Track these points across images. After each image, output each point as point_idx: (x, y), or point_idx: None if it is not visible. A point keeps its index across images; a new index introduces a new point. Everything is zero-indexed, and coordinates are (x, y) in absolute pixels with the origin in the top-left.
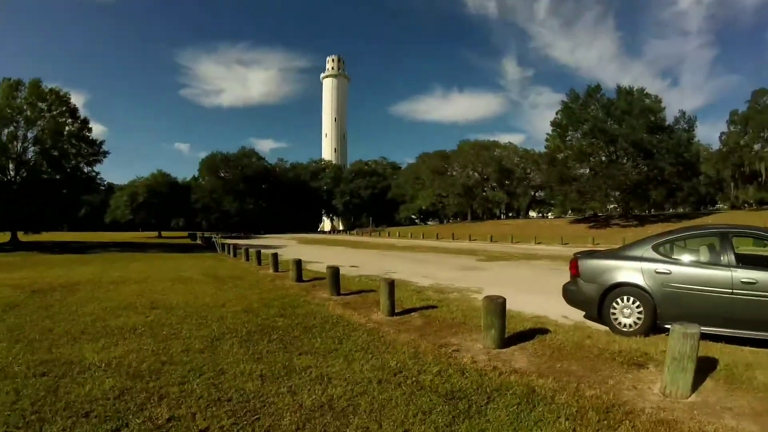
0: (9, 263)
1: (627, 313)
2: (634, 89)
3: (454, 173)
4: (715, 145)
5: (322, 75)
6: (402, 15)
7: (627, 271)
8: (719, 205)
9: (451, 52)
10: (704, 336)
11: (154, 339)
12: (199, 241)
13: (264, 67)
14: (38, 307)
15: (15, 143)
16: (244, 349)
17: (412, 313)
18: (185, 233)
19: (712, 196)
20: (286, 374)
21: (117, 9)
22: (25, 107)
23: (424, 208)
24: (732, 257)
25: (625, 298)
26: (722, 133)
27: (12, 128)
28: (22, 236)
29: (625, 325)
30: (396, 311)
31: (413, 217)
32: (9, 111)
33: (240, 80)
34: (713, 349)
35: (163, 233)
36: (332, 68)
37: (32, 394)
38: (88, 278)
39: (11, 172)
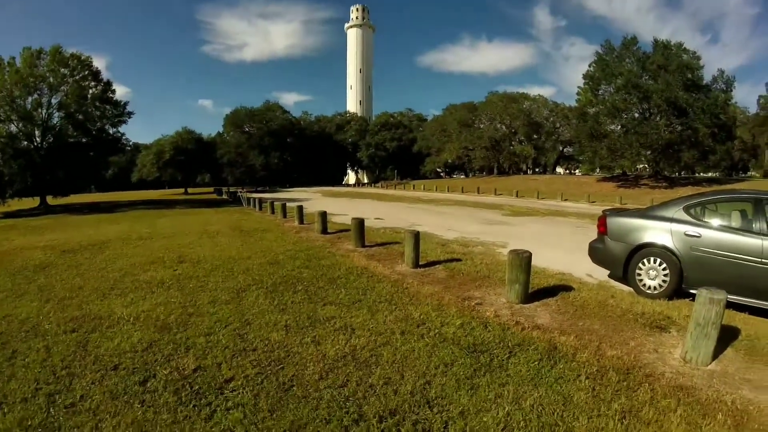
0: (39, 226)
1: (653, 274)
2: (672, 43)
3: (482, 126)
4: (753, 108)
5: (346, 25)
6: None
7: (656, 232)
8: (752, 173)
9: (481, 0)
10: (728, 305)
11: (182, 292)
12: (225, 196)
13: (287, 19)
14: (68, 266)
15: (40, 110)
16: (269, 300)
17: (437, 266)
18: (211, 189)
19: (745, 162)
20: (310, 325)
21: None
22: (47, 74)
23: (450, 161)
24: (765, 225)
25: (651, 259)
26: (760, 97)
27: (36, 96)
28: (51, 200)
29: (649, 287)
30: (420, 263)
31: (439, 170)
32: (32, 80)
33: (262, 34)
34: (736, 319)
35: (190, 190)
36: (356, 18)
37: (62, 351)
38: (116, 236)
39: (38, 139)
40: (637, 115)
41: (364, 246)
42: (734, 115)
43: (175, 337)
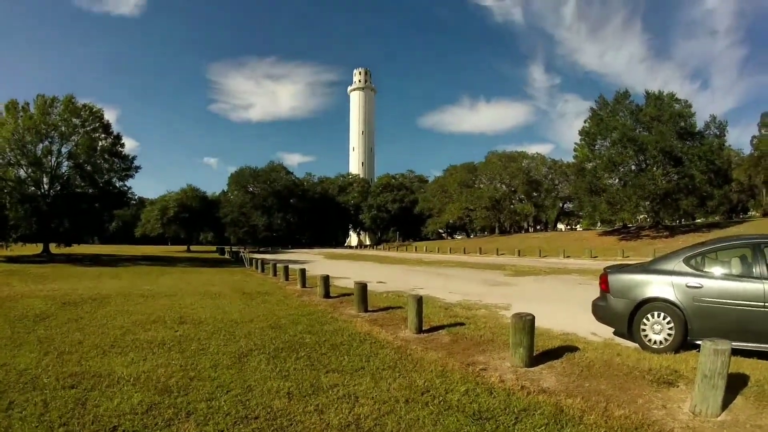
0: (41, 275)
1: (657, 329)
2: (664, 94)
3: (482, 186)
4: (747, 149)
5: (349, 88)
6: (428, 26)
7: (657, 286)
8: (752, 213)
9: (478, 62)
10: (736, 351)
11: (183, 354)
12: (227, 256)
13: (292, 81)
14: (69, 319)
15: (49, 158)
16: (271, 365)
17: (440, 331)
18: (214, 248)
19: (743, 203)
20: (313, 392)
21: (145, 24)
22: (59, 123)
23: (451, 221)
24: (764, 269)
25: (655, 313)
26: (753, 137)
27: (47, 143)
28: (54, 248)
29: (655, 342)
30: (423, 328)
31: (440, 231)
32: (44, 127)
33: (269, 94)
34: (744, 365)
35: (192, 247)
36: (359, 81)
37: (60, 406)
38: (118, 291)
39: (45, 186)
40: (633, 167)
41: (366, 311)
42: (729, 158)
43: (175, 400)
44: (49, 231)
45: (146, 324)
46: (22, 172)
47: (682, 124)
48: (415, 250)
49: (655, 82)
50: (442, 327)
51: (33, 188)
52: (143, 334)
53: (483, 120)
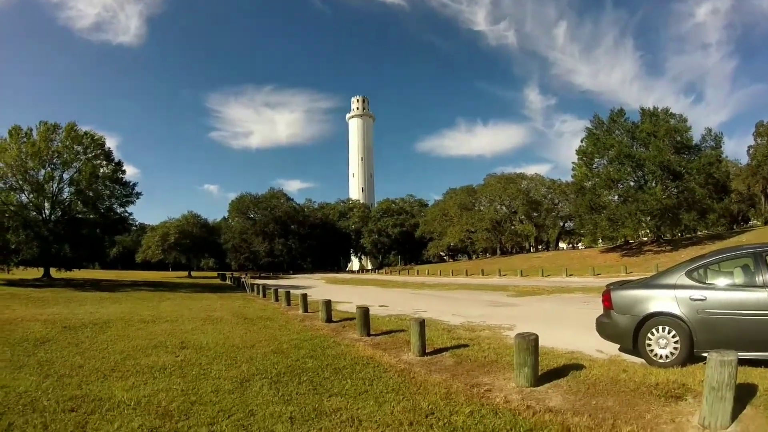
0: (41, 299)
1: (663, 343)
2: (659, 110)
3: (482, 208)
4: (744, 159)
5: (347, 115)
6: (423, 52)
7: (661, 301)
8: (753, 222)
9: (474, 86)
10: (743, 362)
11: (184, 379)
12: (228, 282)
13: (290, 109)
14: (69, 343)
15: (51, 183)
16: (273, 390)
17: (443, 353)
18: (215, 273)
19: (744, 212)
20: (316, 416)
21: (144, 54)
22: (62, 150)
23: (452, 244)
24: (767, 277)
25: (660, 328)
26: (750, 147)
27: (49, 169)
28: (55, 273)
29: (661, 356)
30: (427, 351)
31: (442, 254)
32: (46, 153)
33: (267, 122)
34: (753, 375)
35: (194, 273)
36: (357, 108)
37: (60, 429)
38: (119, 316)
39: (47, 211)
40: (632, 183)
41: (369, 334)
42: (727, 170)
43: (176, 425)
44: (50, 255)
45: (147, 349)
46: (24, 197)
47: (679, 138)
48: (417, 273)
49: (650, 99)
50: (445, 349)
51: (35, 213)
52: (144, 358)
53: (481, 143)
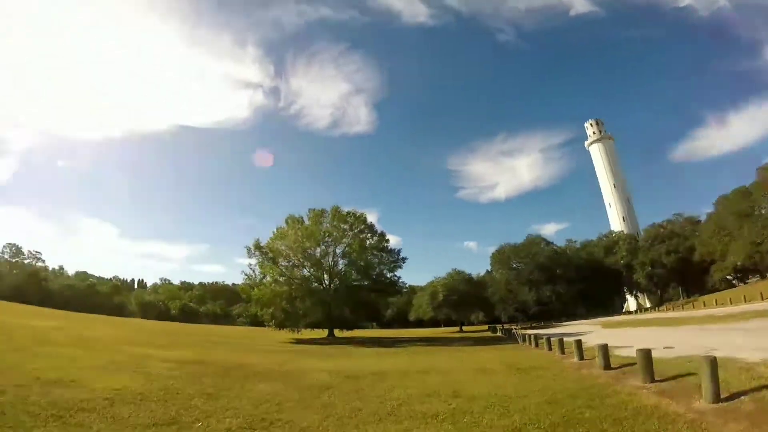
0: (326, 354)
1: None
2: None
3: (764, 211)
4: None
5: (586, 143)
6: (634, 51)
7: None
8: None
9: (706, 68)
10: None
11: (455, 425)
12: (499, 333)
13: (525, 153)
14: (350, 390)
15: (327, 258)
16: None
17: (742, 397)
18: (485, 326)
19: None
20: None
21: (380, 136)
22: (331, 229)
23: (738, 264)
24: None
25: None
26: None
27: (323, 246)
28: (337, 333)
29: None
30: (721, 396)
31: (729, 277)
32: (319, 234)
33: (508, 170)
34: None
35: (464, 328)
36: (593, 133)
37: None
38: (395, 368)
39: (326, 281)
40: None
41: (653, 380)
42: None
43: None
44: (332, 318)
45: (421, 397)
46: (305, 271)
47: None
48: (704, 305)
49: None
50: (744, 393)
51: (316, 284)
52: (419, 405)
53: (739, 132)
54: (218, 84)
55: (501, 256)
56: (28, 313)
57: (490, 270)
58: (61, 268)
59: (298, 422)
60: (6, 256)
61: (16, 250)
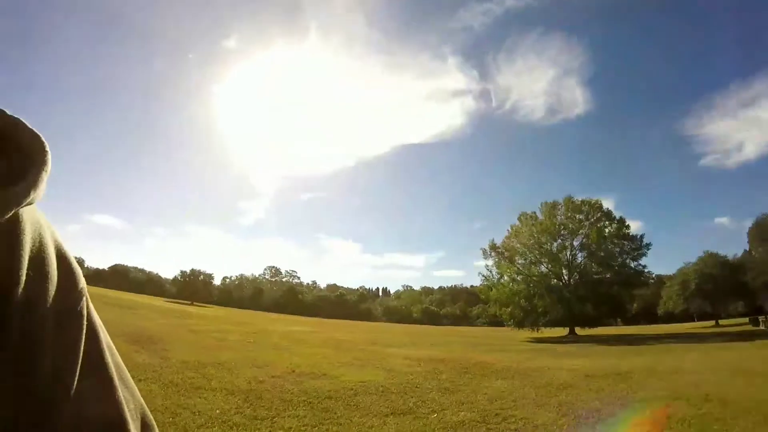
0: (566, 352)
1: None
2: None
3: None
4: None
5: None
6: None
7: None
8: None
9: None
10: None
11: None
12: (762, 327)
13: None
14: (589, 389)
15: (564, 252)
16: None
17: None
18: (745, 319)
19: None
20: None
21: (599, 114)
22: (566, 221)
23: None
24: None
25: None
26: None
27: (559, 240)
28: (578, 330)
29: None
30: None
31: None
32: (553, 227)
33: (753, 124)
34: None
35: (721, 321)
36: None
37: None
38: (640, 367)
39: (565, 277)
40: None
41: None
42: None
43: None
44: (573, 315)
45: (666, 399)
46: (543, 268)
47: None
48: None
49: None
50: None
51: (555, 280)
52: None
53: None
54: (428, 100)
55: (761, 231)
56: (287, 321)
57: (747, 249)
58: (314, 282)
59: (532, 419)
60: (267, 276)
61: (275, 271)
